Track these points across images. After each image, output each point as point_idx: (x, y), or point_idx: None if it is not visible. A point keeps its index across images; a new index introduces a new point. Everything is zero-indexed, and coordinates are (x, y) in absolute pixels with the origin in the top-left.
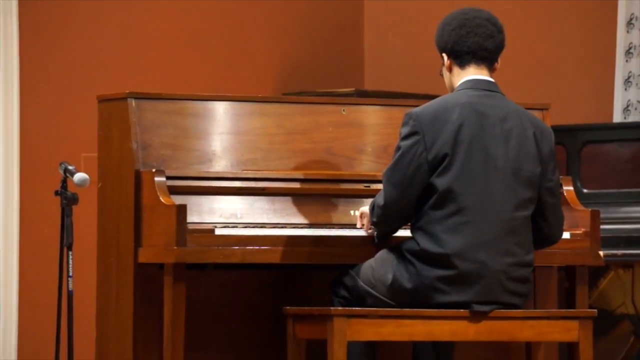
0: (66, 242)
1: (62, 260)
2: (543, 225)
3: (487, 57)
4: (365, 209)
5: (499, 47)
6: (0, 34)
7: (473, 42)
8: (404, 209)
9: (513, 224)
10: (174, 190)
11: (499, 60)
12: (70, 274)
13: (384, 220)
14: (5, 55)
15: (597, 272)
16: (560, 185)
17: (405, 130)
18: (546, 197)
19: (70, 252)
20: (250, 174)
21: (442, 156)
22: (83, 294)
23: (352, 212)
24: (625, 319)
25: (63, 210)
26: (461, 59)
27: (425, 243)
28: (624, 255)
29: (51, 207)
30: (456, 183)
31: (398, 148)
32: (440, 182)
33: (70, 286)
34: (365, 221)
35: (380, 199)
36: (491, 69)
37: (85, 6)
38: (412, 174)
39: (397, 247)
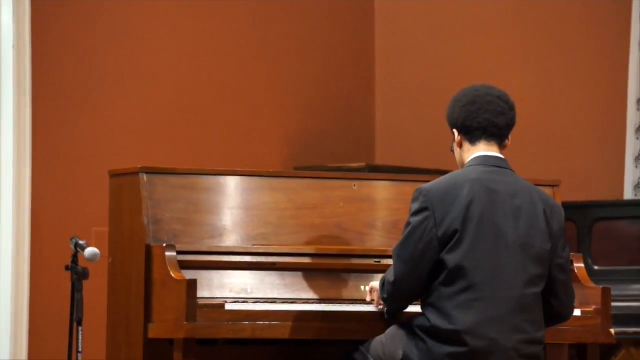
0: (76, 317)
1: (72, 336)
2: (554, 302)
3: (498, 133)
4: (376, 284)
5: (510, 125)
6: (14, 108)
7: (484, 118)
8: (414, 286)
9: (524, 301)
10: (184, 265)
11: (510, 137)
12: (80, 349)
13: (394, 297)
14: (19, 129)
15: (608, 350)
16: (571, 262)
17: (416, 206)
18: (557, 274)
19: (80, 328)
20: (261, 249)
21: (452, 232)
22: None
23: (362, 287)
24: None
25: (73, 285)
26: (472, 135)
27: (436, 320)
28: (635, 333)
29: (62, 281)
30: (466, 259)
31: (408, 224)
32: (451, 259)
33: None
34: (375, 296)
35: (390, 276)
36: (502, 146)
37: (97, 80)
38: (423, 250)
39: (408, 323)
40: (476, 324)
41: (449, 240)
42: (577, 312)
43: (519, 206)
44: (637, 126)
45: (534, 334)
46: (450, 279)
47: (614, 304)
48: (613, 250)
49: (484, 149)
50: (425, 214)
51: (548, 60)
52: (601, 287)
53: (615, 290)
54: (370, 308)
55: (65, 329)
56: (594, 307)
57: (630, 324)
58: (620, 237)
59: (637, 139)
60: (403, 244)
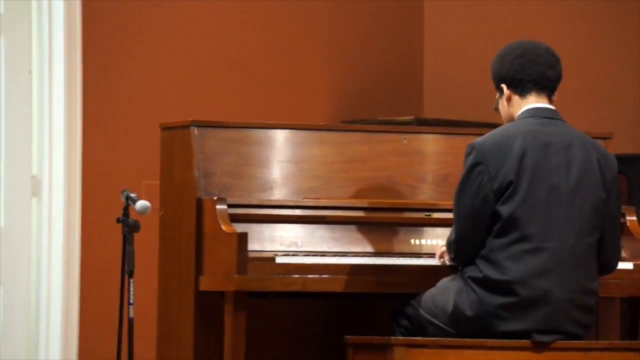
0: (127, 270)
1: (123, 288)
2: (601, 252)
3: (548, 86)
4: (445, 249)
5: (558, 78)
6: (65, 62)
7: (535, 70)
8: (477, 240)
9: (577, 252)
10: (235, 218)
11: (556, 93)
12: (131, 301)
13: (461, 254)
14: (69, 82)
15: None
16: (623, 215)
17: (469, 162)
18: (607, 224)
19: (131, 280)
20: (311, 202)
21: (507, 184)
22: (144, 322)
23: (412, 240)
24: None
25: (124, 237)
26: (522, 87)
27: (488, 270)
28: None
29: (113, 234)
30: (520, 210)
31: (463, 180)
32: (504, 210)
33: (131, 314)
34: (445, 259)
35: (452, 235)
36: (550, 100)
37: (147, 35)
38: (480, 205)
39: (459, 275)
40: (527, 274)
41: (504, 191)
42: (629, 266)
43: (573, 156)
44: None
45: (588, 284)
46: (504, 230)
47: None
48: None
49: (535, 102)
50: (479, 168)
51: (598, 13)
52: None
53: None
54: (421, 261)
55: (117, 281)
56: None
57: None
58: None
59: None
60: (459, 201)
